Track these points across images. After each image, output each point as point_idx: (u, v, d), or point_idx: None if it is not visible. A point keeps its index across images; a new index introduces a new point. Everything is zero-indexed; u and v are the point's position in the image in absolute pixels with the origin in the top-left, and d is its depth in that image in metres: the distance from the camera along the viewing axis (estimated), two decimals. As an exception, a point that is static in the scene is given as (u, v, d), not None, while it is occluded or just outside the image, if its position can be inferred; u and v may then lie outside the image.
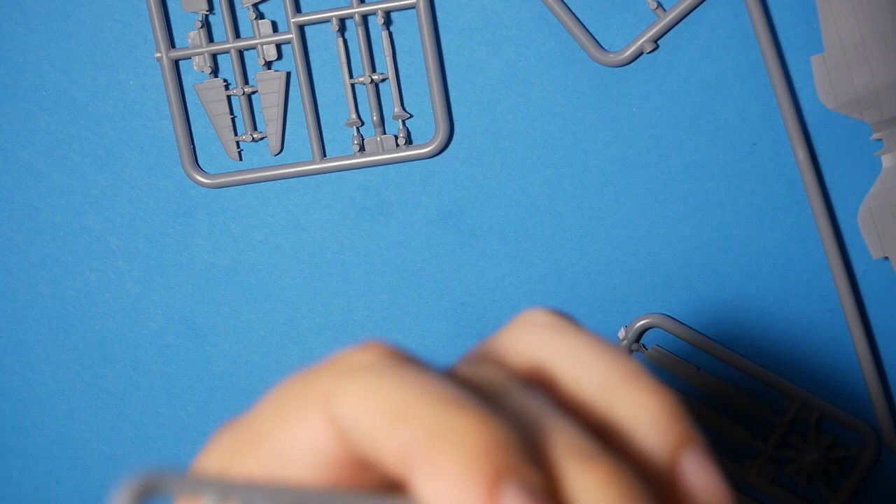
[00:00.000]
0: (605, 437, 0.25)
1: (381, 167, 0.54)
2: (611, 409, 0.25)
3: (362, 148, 0.54)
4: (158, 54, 0.53)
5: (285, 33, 0.53)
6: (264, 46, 0.53)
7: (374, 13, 0.53)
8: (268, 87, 0.53)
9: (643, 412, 0.25)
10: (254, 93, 0.54)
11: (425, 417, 0.23)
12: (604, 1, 0.53)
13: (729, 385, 0.55)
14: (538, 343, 0.26)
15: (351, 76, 0.53)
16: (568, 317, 0.27)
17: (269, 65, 0.54)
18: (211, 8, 0.53)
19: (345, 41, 0.53)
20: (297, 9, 0.53)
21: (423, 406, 0.23)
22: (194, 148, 0.54)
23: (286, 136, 0.54)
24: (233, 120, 0.54)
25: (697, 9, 0.53)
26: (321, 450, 0.24)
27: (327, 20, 0.53)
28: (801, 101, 0.53)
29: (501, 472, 0.22)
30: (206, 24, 0.53)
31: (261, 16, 0.53)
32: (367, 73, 0.53)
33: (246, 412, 0.26)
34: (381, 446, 0.24)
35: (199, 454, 0.26)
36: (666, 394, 0.25)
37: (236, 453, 0.25)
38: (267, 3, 0.53)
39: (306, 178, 0.55)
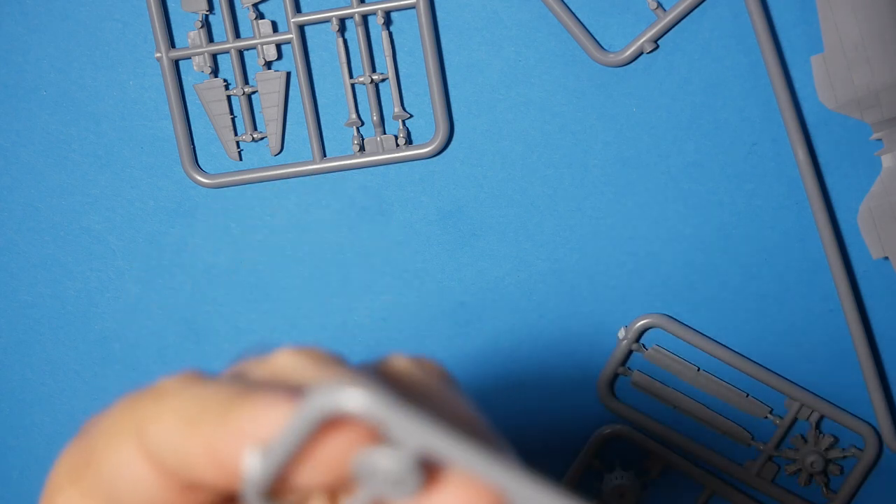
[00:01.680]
0: None
1: (381, 167, 0.54)
2: None
3: (362, 148, 0.54)
4: (158, 54, 0.53)
5: (285, 33, 0.53)
6: (264, 46, 0.53)
7: (374, 13, 0.53)
8: (268, 87, 0.53)
9: None
10: (254, 93, 0.54)
11: (217, 412, 0.24)
12: (604, 1, 0.53)
13: (729, 385, 0.55)
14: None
15: (351, 76, 0.53)
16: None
17: (269, 65, 0.54)
18: (211, 8, 0.53)
19: (345, 41, 0.53)
20: (297, 9, 0.53)
21: (215, 404, 0.24)
22: (194, 148, 0.54)
23: (286, 136, 0.54)
24: (233, 120, 0.54)
25: (697, 9, 0.53)
26: (142, 480, 0.25)
27: (327, 20, 0.53)
28: (801, 101, 0.53)
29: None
30: (206, 24, 0.53)
31: (261, 16, 0.53)
32: (367, 73, 0.53)
33: (85, 428, 0.28)
34: (189, 456, 0.24)
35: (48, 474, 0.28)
36: None
37: (75, 471, 0.27)
38: (267, 3, 0.53)
39: (306, 178, 0.55)
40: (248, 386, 0.25)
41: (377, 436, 0.23)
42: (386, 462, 0.23)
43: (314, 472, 0.23)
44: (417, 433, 0.23)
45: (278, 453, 0.23)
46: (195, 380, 0.26)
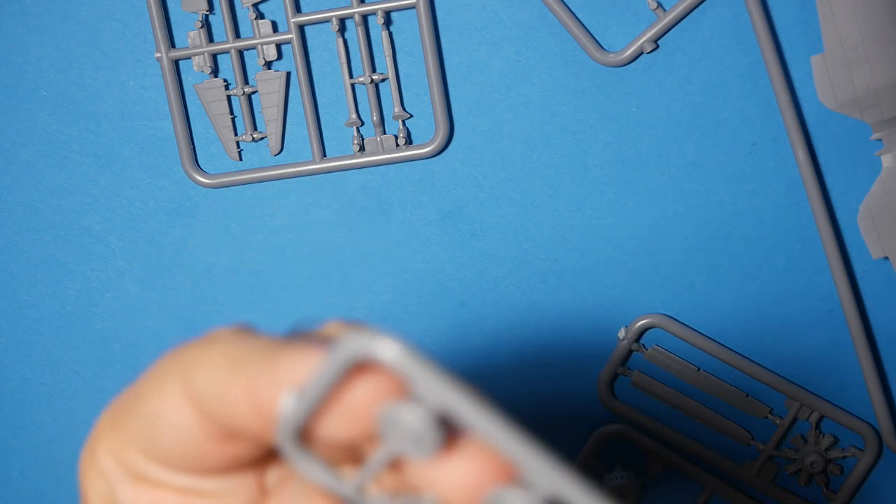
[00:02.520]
0: None
1: (381, 167, 0.54)
2: None
3: (362, 148, 0.54)
4: (158, 54, 0.53)
5: (285, 33, 0.53)
6: (264, 46, 0.53)
7: (374, 13, 0.53)
8: (268, 87, 0.53)
9: None
10: (254, 93, 0.54)
11: (260, 358, 0.25)
12: (604, 1, 0.53)
13: (729, 385, 0.55)
14: None
15: (351, 76, 0.53)
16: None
17: (269, 65, 0.54)
18: (211, 8, 0.53)
19: (345, 41, 0.53)
20: (297, 9, 0.53)
21: (259, 351, 0.25)
22: (194, 148, 0.54)
23: (286, 136, 0.54)
24: (233, 120, 0.54)
25: (697, 9, 0.53)
26: (183, 424, 0.26)
27: (327, 20, 0.53)
28: (801, 101, 0.53)
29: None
30: (206, 24, 0.53)
31: (261, 16, 0.53)
32: (367, 73, 0.53)
33: (134, 382, 0.29)
34: (230, 400, 0.25)
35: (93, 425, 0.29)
36: None
37: (118, 419, 0.28)
38: (267, 3, 0.53)
39: (306, 178, 0.55)
40: (291, 339, 0.26)
41: (403, 390, 0.24)
42: (408, 417, 0.24)
43: (342, 418, 0.24)
44: (441, 392, 0.23)
45: (311, 396, 0.24)
46: (244, 331, 0.27)
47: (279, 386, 0.24)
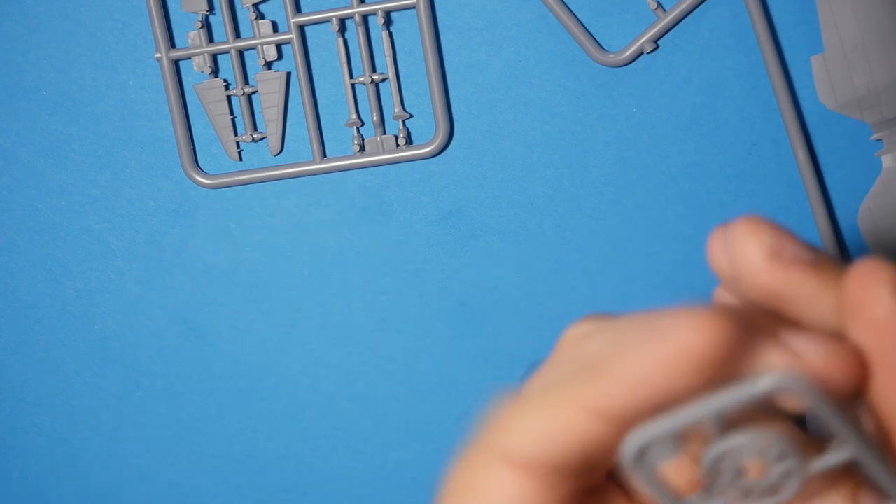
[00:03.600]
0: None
1: (381, 167, 0.54)
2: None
3: (362, 148, 0.54)
4: (158, 54, 0.53)
5: (285, 33, 0.53)
6: (264, 46, 0.53)
7: (374, 13, 0.53)
8: (268, 87, 0.53)
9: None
10: (254, 93, 0.54)
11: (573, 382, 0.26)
12: (604, 1, 0.53)
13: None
14: None
15: (351, 76, 0.53)
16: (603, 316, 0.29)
17: (269, 65, 0.54)
18: (211, 8, 0.53)
19: (345, 41, 0.53)
20: (297, 9, 0.53)
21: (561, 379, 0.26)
22: (194, 148, 0.54)
23: (286, 136, 0.54)
24: (233, 120, 0.54)
25: (697, 9, 0.53)
26: (523, 496, 0.26)
27: (327, 20, 0.53)
28: (801, 101, 0.53)
29: None
30: (206, 25, 0.53)
31: (261, 16, 0.53)
32: (367, 73, 0.53)
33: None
34: (565, 431, 0.26)
35: None
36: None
37: None
38: (267, 3, 0.53)
39: (306, 178, 0.55)
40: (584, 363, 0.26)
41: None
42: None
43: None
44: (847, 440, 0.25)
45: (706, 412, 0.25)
46: (516, 395, 0.27)
47: (622, 385, 0.25)
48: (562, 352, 0.29)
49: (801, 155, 0.53)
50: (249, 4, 0.53)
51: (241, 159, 0.54)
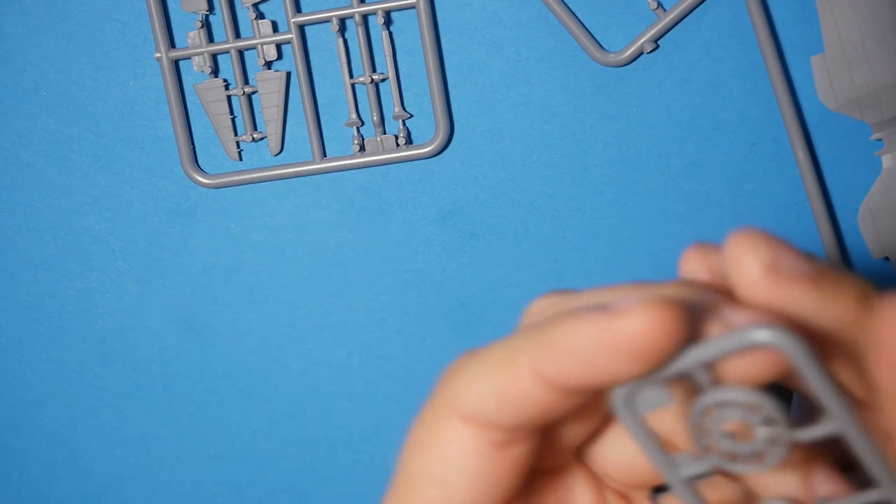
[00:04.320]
0: None
1: (381, 167, 0.54)
2: None
3: (362, 148, 0.54)
4: (158, 54, 0.53)
5: (285, 33, 0.53)
6: (264, 46, 0.53)
7: (374, 13, 0.53)
8: (268, 87, 0.53)
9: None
10: (254, 93, 0.54)
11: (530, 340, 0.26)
12: (604, 1, 0.53)
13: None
14: None
15: (351, 76, 0.53)
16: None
17: (269, 65, 0.54)
18: (211, 8, 0.53)
19: (345, 41, 0.53)
20: (297, 9, 0.53)
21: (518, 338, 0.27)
22: (194, 148, 0.54)
23: (286, 136, 0.54)
24: (233, 120, 0.54)
25: (697, 9, 0.53)
26: (472, 452, 0.27)
27: (327, 20, 0.53)
28: (801, 101, 0.53)
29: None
30: (206, 24, 0.53)
31: (261, 16, 0.53)
32: (367, 73, 0.53)
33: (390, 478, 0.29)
34: (503, 399, 0.26)
35: None
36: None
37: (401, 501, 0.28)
38: (267, 3, 0.53)
39: (306, 178, 0.55)
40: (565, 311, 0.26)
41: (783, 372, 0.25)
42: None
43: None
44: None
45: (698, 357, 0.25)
46: (472, 352, 0.28)
47: (565, 355, 0.25)
48: (522, 323, 0.29)
49: (801, 155, 0.53)
50: (249, 4, 0.53)
51: (241, 159, 0.54)
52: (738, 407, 0.26)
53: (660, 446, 0.27)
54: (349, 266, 0.55)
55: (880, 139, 0.52)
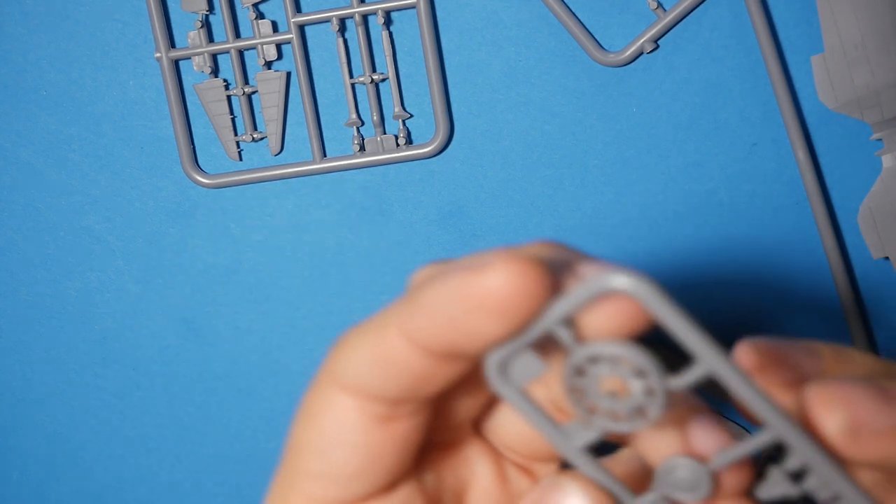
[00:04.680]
0: None
1: (381, 167, 0.54)
2: None
3: (362, 148, 0.54)
4: (158, 54, 0.53)
5: (285, 33, 0.53)
6: (264, 46, 0.53)
7: (374, 13, 0.53)
8: (268, 87, 0.53)
9: None
10: (254, 93, 0.54)
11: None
12: (604, 1, 0.53)
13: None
14: None
15: (351, 76, 0.53)
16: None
17: (269, 65, 0.54)
18: (211, 8, 0.53)
19: (345, 41, 0.53)
20: (297, 9, 0.53)
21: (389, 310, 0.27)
22: (194, 148, 0.54)
23: (286, 136, 0.54)
24: (233, 120, 0.54)
25: (697, 9, 0.53)
26: (353, 424, 0.26)
27: (327, 20, 0.53)
28: (801, 101, 0.53)
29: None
30: (206, 24, 0.53)
31: (261, 16, 0.53)
32: (367, 73, 0.53)
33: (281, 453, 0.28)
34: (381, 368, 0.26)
35: None
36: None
37: (286, 488, 0.27)
38: (267, 3, 0.53)
39: (306, 178, 0.55)
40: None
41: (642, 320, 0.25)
42: (685, 472, 0.26)
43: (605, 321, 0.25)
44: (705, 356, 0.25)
45: (565, 308, 0.25)
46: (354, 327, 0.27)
47: (430, 315, 0.25)
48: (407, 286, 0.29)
49: (801, 155, 0.53)
50: (249, 4, 0.53)
51: (241, 159, 0.54)
52: (605, 362, 0.25)
53: (545, 416, 0.27)
54: (349, 266, 0.55)
55: (880, 139, 0.52)
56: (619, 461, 0.29)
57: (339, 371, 0.26)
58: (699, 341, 0.25)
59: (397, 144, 0.54)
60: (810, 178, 0.53)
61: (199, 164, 0.54)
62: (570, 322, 0.25)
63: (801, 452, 0.26)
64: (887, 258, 0.54)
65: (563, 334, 0.25)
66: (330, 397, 0.27)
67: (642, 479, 0.29)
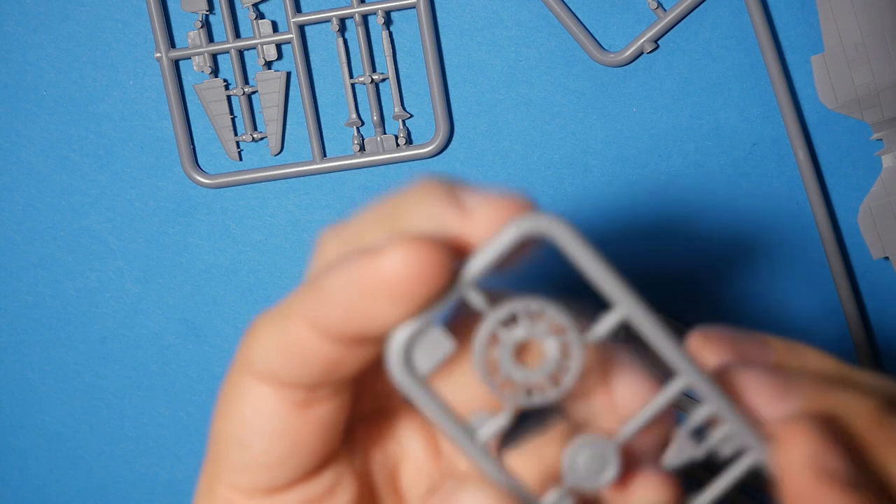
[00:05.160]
0: None
1: (381, 167, 0.54)
2: None
3: (362, 148, 0.54)
4: (158, 54, 0.53)
5: (285, 33, 0.53)
6: (264, 46, 0.53)
7: (374, 13, 0.53)
8: (268, 87, 0.53)
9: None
10: (254, 93, 0.54)
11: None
12: (604, 1, 0.53)
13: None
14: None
15: (351, 76, 0.53)
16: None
17: (269, 65, 0.54)
18: (211, 8, 0.53)
19: (345, 41, 0.53)
20: (297, 9, 0.53)
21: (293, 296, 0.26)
22: (194, 148, 0.54)
23: (286, 136, 0.54)
24: (233, 120, 0.54)
25: (697, 9, 0.53)
26: (271, 412, 0.26)
27: (327, 20, 0.53)
28: (801, 101, 0.53)
29: None
30: (206, 24, 0.53)
31: (261, 16, 0.53)
32: (367, 73, 0.53)
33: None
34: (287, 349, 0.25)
35: None
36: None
37: (211, 489, 0.27)
38: (267, 3, 0.53)
39: (306, 178, 0.55)
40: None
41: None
42: (584, 459, 0.25)
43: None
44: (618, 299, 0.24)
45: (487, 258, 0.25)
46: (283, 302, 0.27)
47: (330, 301, 0.24)
48: (310, 263, 0.29)
49: (801, 155, 0.53)
50: (249, 4, 0.53)
51: (241, 159, 0.54)
52: (521, 322, 0.24)
53: (447, 409, 0.25)
54: (349, 266, 0.55)
55: (880, 139, 0.52)
56: (538, 454, 0.27)
57: (252, 360, 0.26)
58: (614, 283, 0.24)
59: (397, 144, 0.54)
60: (810, 178, 0.53)
61: (199, 164, 0.54)
62: (480, 287, 0.24)
63: (710, 401, 0.25)
64: (887, 258, 0.54)
65: (476, 298, 0.25)
66: (245, 387, 0.26)
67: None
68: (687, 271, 0.55)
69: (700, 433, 0.26)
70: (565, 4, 0.53)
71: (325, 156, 0.54)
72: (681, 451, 0.26)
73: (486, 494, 0.25)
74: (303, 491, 0.27)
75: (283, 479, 0.27)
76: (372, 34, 0.53)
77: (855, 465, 0.25)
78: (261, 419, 0.26)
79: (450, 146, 0.54)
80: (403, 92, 0.54)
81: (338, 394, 0.26)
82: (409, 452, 0.29)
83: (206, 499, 0.28)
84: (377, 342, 0.25)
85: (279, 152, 0.54)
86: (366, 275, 0.24)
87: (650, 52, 0.52)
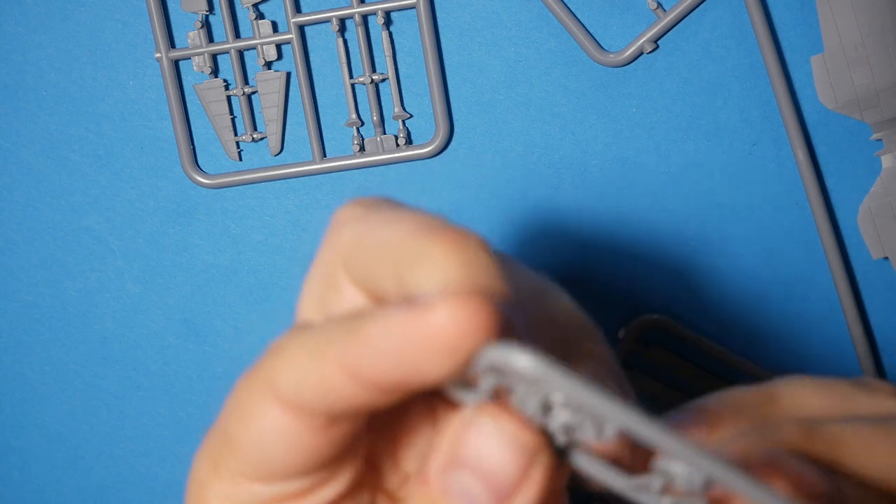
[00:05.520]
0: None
1: (381, 167, 0.54)
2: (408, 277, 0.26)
3: (362, 148, 0.54)
4: (158, 54, 0.53)
5: (285, 33, 0.53)
6: (264, 46, 0.53)
7: (374, 13, 0.53)
8: (268, 87, 0.53)
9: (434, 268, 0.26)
10: (254, 93, 0.54)
11: (344, 333, 0.25)
12: (604, 1, 0.53)
13: (729, 385, 0.55)
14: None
15: (351, 76, 0.53)
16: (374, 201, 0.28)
17: (269, 65, 0.54)
18: (211, 8, 0.53)
19: (345, 41, 0.53)
20: (297, 9, 0.53)
21: (339, 330, 0.25)
22: (194, 148, 0.54)
23: (286, 136, 0.54)
24: (233, 120, 0.54)
25: (697, 9, 0.53)
26: (288, 431, 0.26)
27: (327, 20, 0.53)
28: (801, 101, 0.53)
29: None
30: (206, 24, 0.53)
31: (261, 16, 0.53)
32: (367, 73, 0.53)
33: (216, 420, 0.28)
34: (327, 382, 0.25)
35: (188, 477, 0.28)
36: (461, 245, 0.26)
37: (218, 461, 0.27)
38: (267, 3, 0.53)
39: (306, 178, 0.55)
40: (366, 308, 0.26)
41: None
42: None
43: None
44: (586, 400, 0.24)
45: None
46: (304, 325, 0.26)
47: (375, 352, 0.24)
48: (329, 244, 0.29)
49: (801, 155, 0.53)
50: (249, 4, 0.53)
51: (241, 159, 0.54)
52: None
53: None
54: (349, 266, 0.55)
55: (880, 139, 0.52)
56: None
57: (278, 384, 0.26)
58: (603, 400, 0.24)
59: (397, 144, 0.54)
60: (810, 178, 0.53)
61: (199, 164, 0.54)
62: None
63: (740, 488, 0.25)
64: (887, 258, 0.54)
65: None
66: (266, 404, 0.26)
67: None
68: (686, 271, 0.55)
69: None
70: (565, 4, 0.53)
71: (325, 156, 0.54)
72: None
73: (506, 427, 0.25)
74: (316, 480, 0.27)
75: (290, 473, 0.27)
76: (372, 34, 0.53)
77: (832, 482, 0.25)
78: (278, 434, 0.26)
79: (450, 146, 0.54)
80: (403, 92, 0.54)
81: (360, 416, 0.27)
82: (417, 447, 0.29)
83: (210, 476, 0.28)
84: (413, 391, 0.26)
85: (279, 152, 0.54)
86: (415, 328, 0.24)
87: (650, 52, 0.52)
